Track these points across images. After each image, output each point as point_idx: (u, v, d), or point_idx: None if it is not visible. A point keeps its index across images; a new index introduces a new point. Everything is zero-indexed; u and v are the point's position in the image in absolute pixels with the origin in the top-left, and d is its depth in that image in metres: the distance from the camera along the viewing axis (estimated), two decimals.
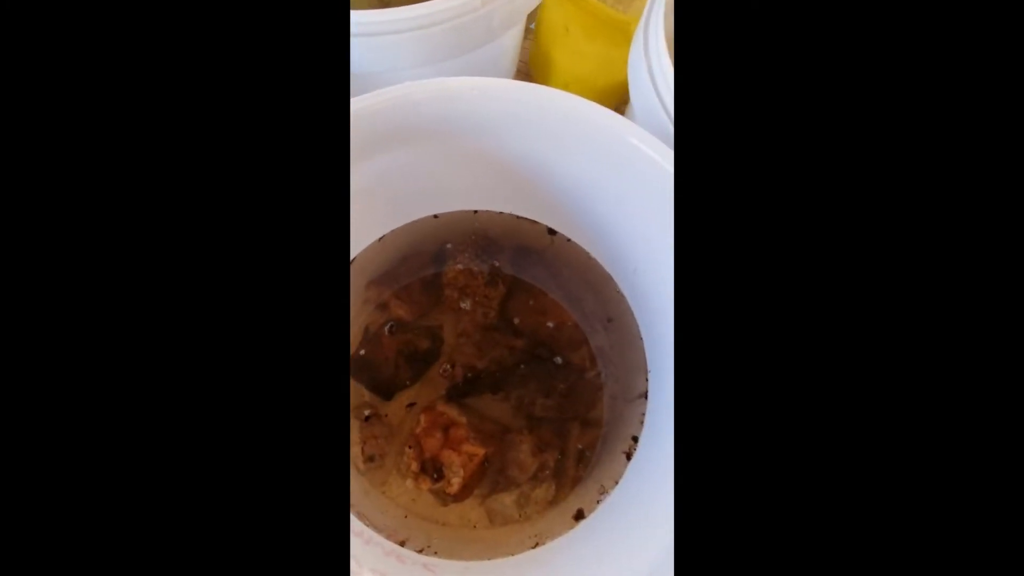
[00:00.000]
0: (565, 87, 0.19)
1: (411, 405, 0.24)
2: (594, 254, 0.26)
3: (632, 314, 0.25)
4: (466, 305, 0.26)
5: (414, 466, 0.22)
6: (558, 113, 0.19)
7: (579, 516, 0.21)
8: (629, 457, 0.22)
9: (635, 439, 0.22)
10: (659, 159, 0.18)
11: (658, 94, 0.21)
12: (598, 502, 0.21)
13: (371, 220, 0.25)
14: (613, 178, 0.20)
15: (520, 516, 0.23)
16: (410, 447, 0.23)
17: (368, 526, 0.20)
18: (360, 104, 0.18)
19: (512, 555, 0.20)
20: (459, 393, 0.24)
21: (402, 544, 0.20)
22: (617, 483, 0.21)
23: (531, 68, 0.39)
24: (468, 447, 0.23)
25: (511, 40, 0.27)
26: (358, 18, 0.19)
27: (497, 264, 0.27)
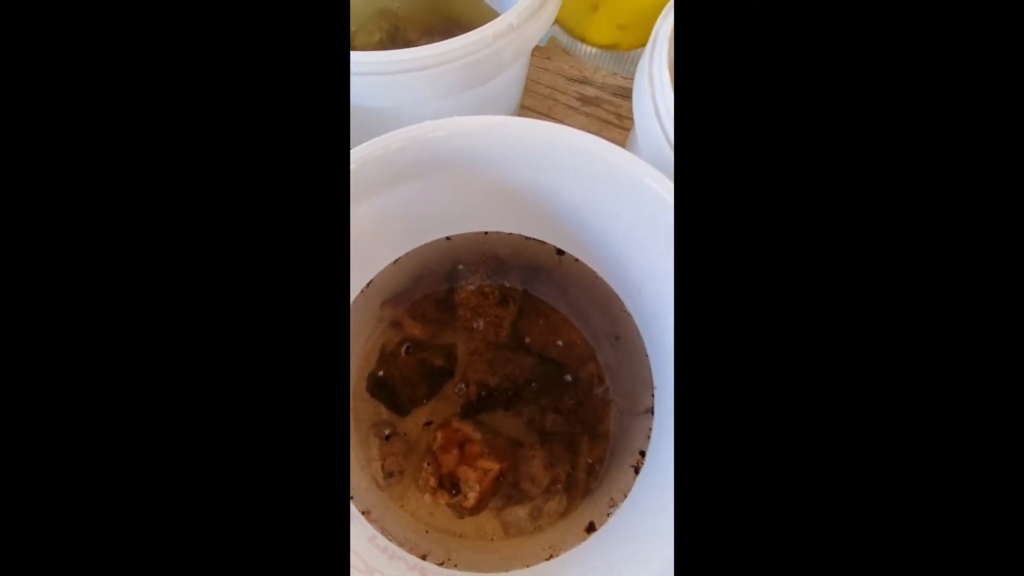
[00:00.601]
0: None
1: (428, 423, 0.25)
2: (601, 274, 0.27)
3: (638, 332, 0.26)
4: (478, 324, 0.27)
5: (432, 481, 0.23)
6: (562, 147, 0.20)
7: (590, 528, 0.22)
8: (637, 471, 0.23)
9: (642, 453, 0.23)
10: (659, 190, 0.19)
11: (660, 123, 0.22)
12: (608, 514, 0.22)
13: (386, 244, 0.26)
14: (616, 205, 0.21)
15: (534, 528, 0.24)
16: (428, 463, 0.24)
17: (392, 541, 0.21)
18: (379, 143, 0.19)
19: (528, 567, 0.21)
20: (473, 410, 0.25)
21: (424, 558, 0.21)
22: (626, 496, 0.22)
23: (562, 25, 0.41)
24: (483, 462, 0.24)
25: (520, 68, 0.28)
26: (377, 58, 0.20)
27: (507, 284, 0.28)
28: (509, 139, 0.20)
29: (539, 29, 0.22)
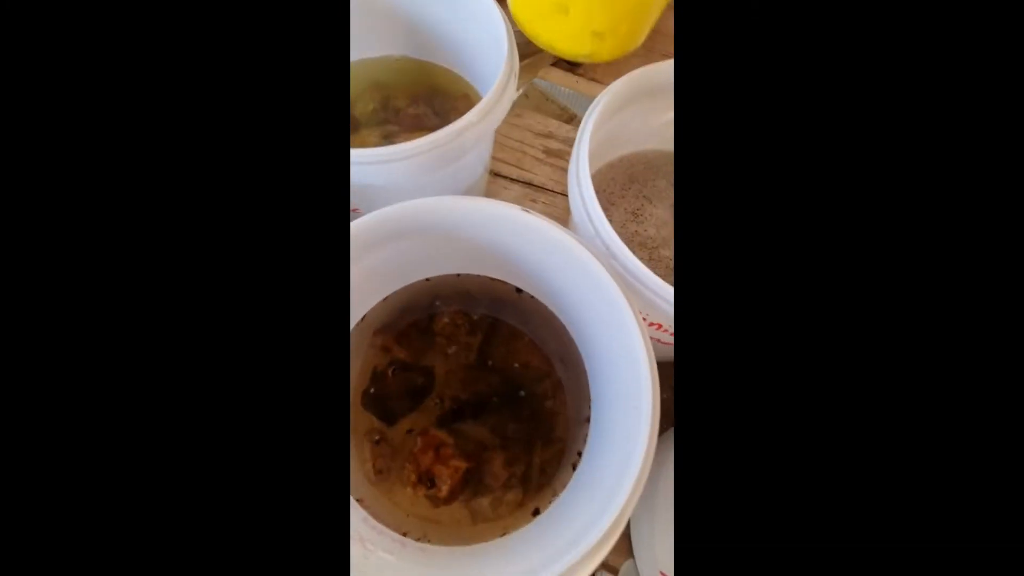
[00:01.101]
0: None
1: (410, 431, 0.31)
2: (551, 308, 0.33)
3: (580, 354, 0.32)
4: (452, 349, 0.33)
5: (413, 477, 0.29)
6: (516, 222, 0.26)
7: (536, 512, 0.28)
8: (575, 468, 0.29)
9: (579, 454, 0.29)
10: (588, 259, 0.25)
11: (587, 212, 0.28)
12: (550, 502, 0.28)
13: (378, 286, 0.32)
14: (557, 264, 0.28)
15: (494, 515, 0.30)
16: (409, 463, 0.30)
17: (379, 523, 0.27)
18: (374, 216, 0.25)
19: (486, 542, 0.27)
20: (448, 420, 0.31)
21: (404, 535, 0.27)
22: (565, 487, 0.28)
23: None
24: (454, 462, 0.30)
25: (485, 147, 0.35)
26: (371, 153, 0.26)
27: (475, 316, 0.34)
28: (470, 214, 0.26)
29: (494, 121, 0.29)
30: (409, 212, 0.25)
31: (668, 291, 0.24)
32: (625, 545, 0.33)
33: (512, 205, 0.26)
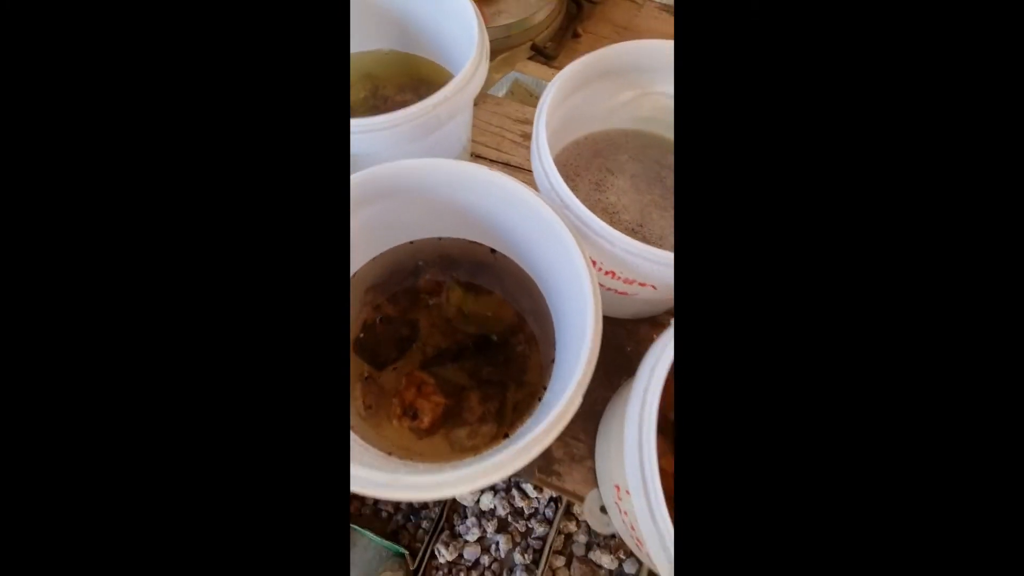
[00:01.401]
0: None
1: (395, 368, 0.35)
2: (523, 266, 0.37)
3: (548, 307, 0.36)
4: (434, 305, 0.37)
5: (398, 411, 0.33)
6: (488, 182, 0.30)
7: (505, 436, 0.32)
8: (540, 400, 0.33)
9: (544, 388, 0.33)
10: (542, 207, 0.29)
11: (543, 167, 0.32)
12: (516, 428, 0.32)
13: (367, 245, 0.36)
14: (526, 221, 0.32)
15: (471, 445, 0.33)
16: (395, 399, 0.34)
17: (370, 445, 0.30)
18: (364, 174, 0.29)
19: (460, 460, 0.31)
20: (430, 364, 0.35)
21: (389, 455, 0.31)
22: (531, 414, 0.32)
23: None
24: (435, 398, 0.34)
25: (464, 118, 0.39)
26: (358, 124, 0.31)
27: (455, 275, 0.38)
28: (448, 173, 0.30)
29: (467, 95, 0.33)
30: (392, 171, 0.29)
31: (615, 235, 0.28)
32: (591, 479, 0.36)
33: (480, 165, 0.30)
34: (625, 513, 0.30)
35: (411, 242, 0.38)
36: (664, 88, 0.39)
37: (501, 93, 0.60)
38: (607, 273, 0.33)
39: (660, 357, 0.25)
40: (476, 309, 0.38)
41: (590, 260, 0.27)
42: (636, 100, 0.40)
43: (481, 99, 0.53)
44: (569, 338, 0.33)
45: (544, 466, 0.37)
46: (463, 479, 0.22)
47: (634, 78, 0.39)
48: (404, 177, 0.30)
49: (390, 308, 0.37)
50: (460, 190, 0.32)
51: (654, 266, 0.28)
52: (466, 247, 0.38)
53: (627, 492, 0.25)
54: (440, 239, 0.38)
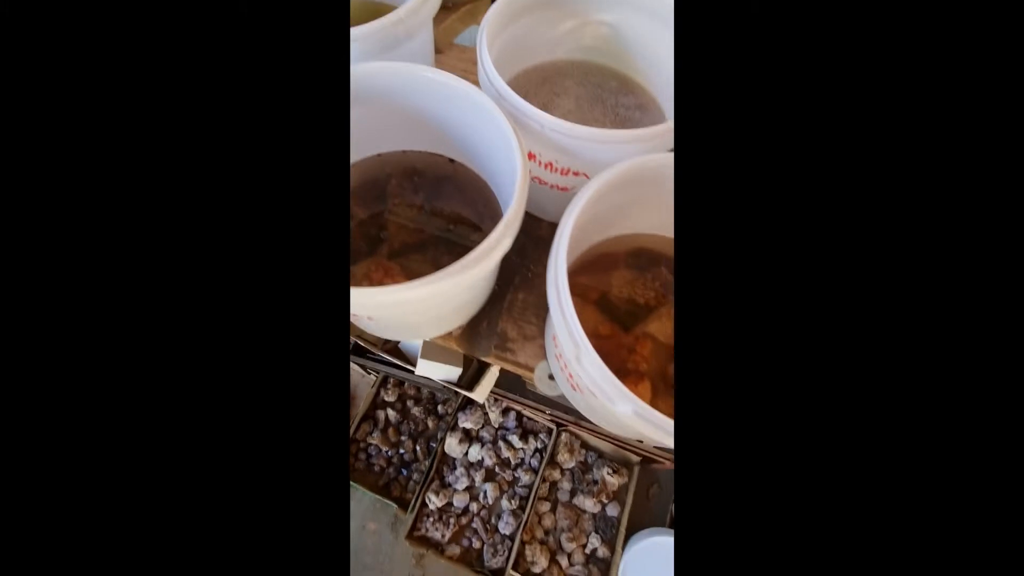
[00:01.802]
0: None
1: (370, 256, 0.40)
2: (480, 173, 0.42)
3: (499, 207, 0.41)
4: (401, 209, 0.42)
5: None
6: (444, 85, 0.35)
7: None
8: None
9: None
10: (485, 101, 0.34)
11: (485, 70, 0.37)
12: None
13: None
14: (480, 127, 0.37)
15: None
16: (365, 282, 0.39)
17: None
18: None
19: None
20: (396, 255, 0.40)
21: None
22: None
23: None
24: (399, 279, 0.38)
25: (426, 35, 0.44)
26: None
27: (419, 181, 0.43)
28: (412, 79, 0.35)
29: (423, 18, 0.38)
30: (362, 71, 0.34)
31: (544, 117, 0.33)
32: (541, 353, 0.41)
33: (434, 68, 0.35)
34: (571, 375, 0.35)
35: (379, 155, 0.43)
36: (603, 16, 0.45)
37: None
38: (546, 166, 0.38)
39: (572, 212, 0.30)
40: (438, 214, 0.43)
41: (522, 139, 0.32)
42: (578, 29, 0.45)
43: (448, 48, 0.58)
44: None
45: (500, 343, 0.41)
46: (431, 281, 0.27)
47: (573, 7, 0.44)
48: (367, 82, 0.35)
49: (361, 212, 0.42)
50: (415, 94, 0.36)
51: (584, 143, 0.33)
52: (428, 158, 0.43)
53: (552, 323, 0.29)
54: (405, 152, 0.43)
